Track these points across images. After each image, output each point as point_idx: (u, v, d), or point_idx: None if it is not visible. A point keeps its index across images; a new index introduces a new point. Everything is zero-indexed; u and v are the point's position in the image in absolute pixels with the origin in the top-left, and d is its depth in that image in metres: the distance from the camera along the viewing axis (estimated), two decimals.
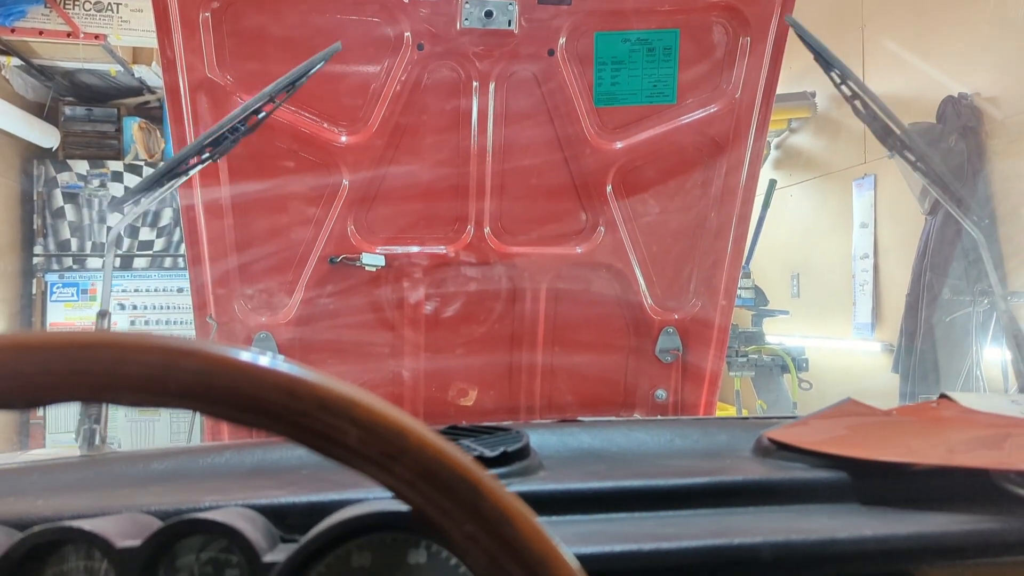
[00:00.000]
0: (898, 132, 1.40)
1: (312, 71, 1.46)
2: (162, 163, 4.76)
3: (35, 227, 4.76)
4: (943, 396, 0.94)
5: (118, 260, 4.81)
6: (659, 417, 2.00)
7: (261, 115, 1.45)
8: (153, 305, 4.85)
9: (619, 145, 1.87)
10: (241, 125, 1.42)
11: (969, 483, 0.70)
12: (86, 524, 0.53)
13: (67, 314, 4.74)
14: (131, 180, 4.87)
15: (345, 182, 1.83)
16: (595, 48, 1.80)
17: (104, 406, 1.09)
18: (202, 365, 0.35)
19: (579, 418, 1.20)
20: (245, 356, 0.36)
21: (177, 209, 4.54)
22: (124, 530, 0.54)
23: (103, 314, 1.30)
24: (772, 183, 4.58)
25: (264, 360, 0.36)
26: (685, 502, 0.70)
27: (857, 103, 1.42)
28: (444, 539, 0.39)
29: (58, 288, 4.77)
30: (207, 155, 1.43)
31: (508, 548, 0.37)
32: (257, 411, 0.36)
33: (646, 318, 2.03)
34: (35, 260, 4.76)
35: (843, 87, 1.43)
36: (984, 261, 1.39)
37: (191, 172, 1.47)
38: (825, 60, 1.45)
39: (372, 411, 0.37)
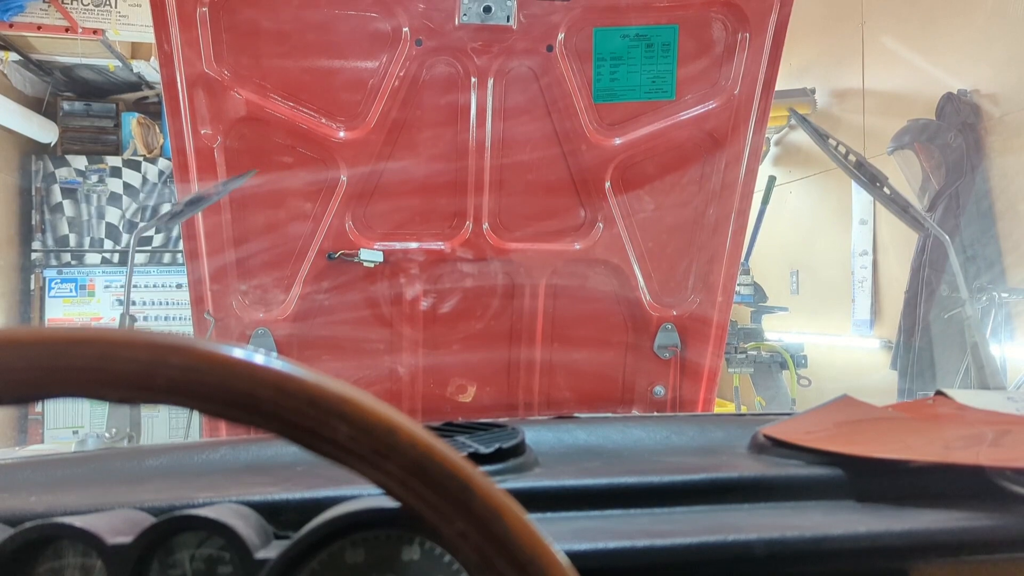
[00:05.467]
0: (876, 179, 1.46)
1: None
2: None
3: (33, 223, 4.75)
4: (939, 393, 0.94)
5: (116, 255, 4.80)
6: (655, 414, 2.00)
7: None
8: (152, 301, 4.84)
9: (618, 141, 1.87)
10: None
11: (965, 480, 0.70)
12: (77, 521, 0.53)
13: (66, 310, 4.74)
14: (129, 175, 4.86)
15: (343, 178, 1.83)
16: (594, 44, 1.79)
17: (136, 407, 1.09)
18: (191, 361, 0.35)
19: (575, 415, 1.20)
20: (235, 352, 0.36)
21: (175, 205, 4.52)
22: (116, 526, 0.54)
23: (124, 317, 1.30)
24: (771, 179, 4.57)
25: (254, 357, 0.36)
26: (680, 499, 0.70)
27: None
28: (435, 536, 0.39)
29: (56, 284, 4.76)
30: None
31: (498, 545, 0.37)
32: (247, 408, 0.36)
33: (644, 314, 2.03)
34: (33, 256, 4.76)
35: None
36: (953, 266, 1.44)
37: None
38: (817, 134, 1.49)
39: (362, 408, 0.37)
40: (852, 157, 1.63)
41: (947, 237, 1.45)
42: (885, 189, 1.61)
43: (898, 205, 1.56)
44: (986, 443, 0.78)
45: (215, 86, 1.70)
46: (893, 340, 3.86)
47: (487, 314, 2.01)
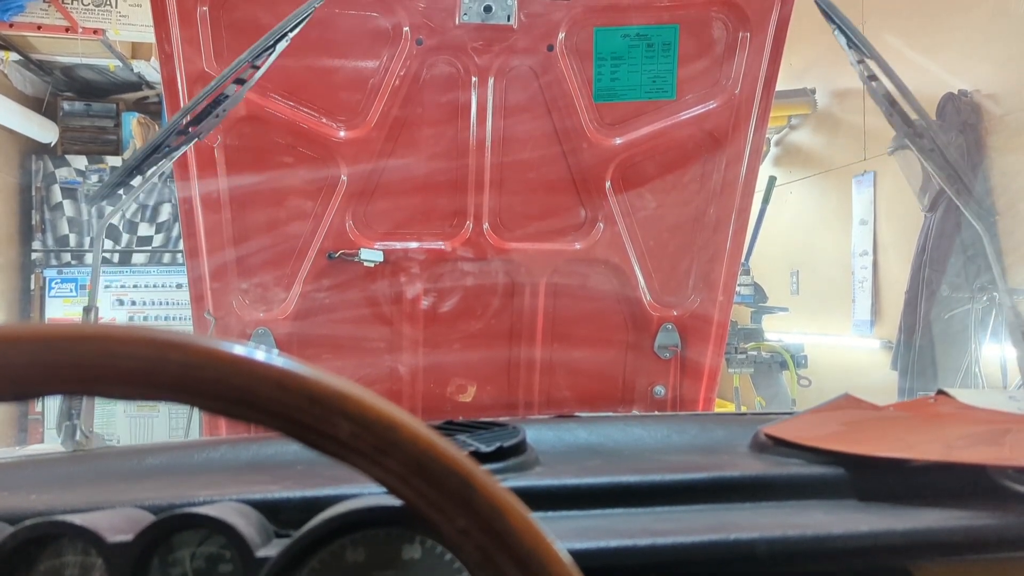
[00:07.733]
0: (917, 118, 1.37)
1: (293, 32, 1.44)
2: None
3: (33, 223, 4.75)
4: (940, 392, 0.94)
5: (116, 255, 4.80)
6: (656, 413, 2.00)
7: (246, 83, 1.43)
8: (152, 301, 4.84)
9: (618, 141, 1.87)
10: (223, 99, 1.40)
11: (966, 479, 0.70)
12: (78, 519, 0.53)
13: (66, 310, 4.73)
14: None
15: (343, 177, 1.82)
16: (594, 43, 1.79)
17: (84, 400, 1.08)
18: (191, 358, 0.35)
19: (576, 414, 1.20)
20: (235, 349, 0.36)
21: (175, 205, 4.52)
22: (116, 524, 0.54)
23: (88, 309, 1.29)
24: (772, 180, 4.57)
25: (255, 353, 0.36)
26: (681, 498, 0.70)
27: (875, 84, 1.39)
28: (436, 533, 0.39)
29: (56, 284, 4.76)
30: (191, 133, 1.41)
31: (500, 542, 0.36)
32: (247, 404, 0.36)
33: (645, 314, 2.02)
34: (33, 255, 4.75)
35: (861, 65, 1.40)
36: (989, 255, 1.37)
37: (175, 154, 1.46)
38: (847, 35, 1.42)
39: (363, 405, 0.36)
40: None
41: (985, 228, 1.31)
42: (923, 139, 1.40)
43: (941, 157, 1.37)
44: (988, 442, 0.78)
45: None
46: (894, 340, 3.86)
47: (487, 313, 2.01)
